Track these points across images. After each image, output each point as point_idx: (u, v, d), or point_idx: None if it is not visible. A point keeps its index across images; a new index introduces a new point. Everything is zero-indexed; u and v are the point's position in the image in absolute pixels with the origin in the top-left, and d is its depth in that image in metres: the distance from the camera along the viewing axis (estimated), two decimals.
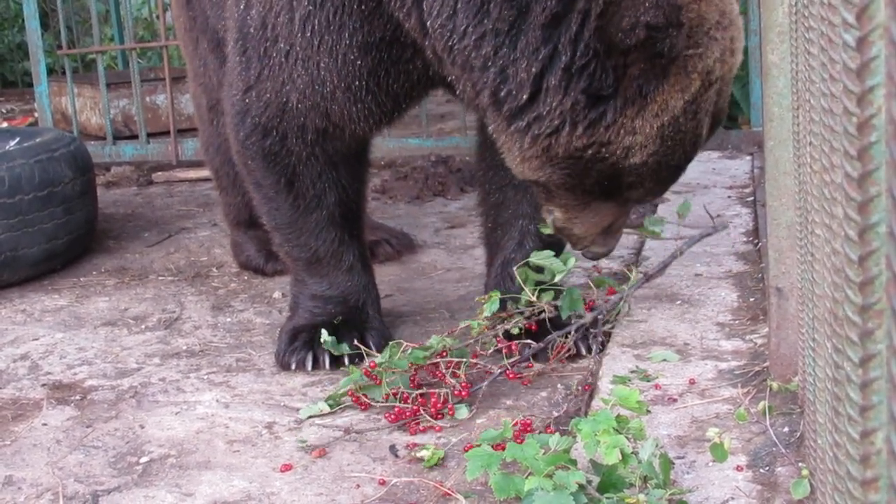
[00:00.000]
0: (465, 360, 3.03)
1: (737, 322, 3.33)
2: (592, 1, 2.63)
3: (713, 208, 4.75)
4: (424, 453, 2.64)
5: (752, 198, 4.86)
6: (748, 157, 5.74)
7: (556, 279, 3.20)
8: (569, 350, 3.19)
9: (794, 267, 2.53)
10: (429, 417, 2.87)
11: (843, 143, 1.12)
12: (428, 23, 2.86)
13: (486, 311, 3.15)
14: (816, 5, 1.68)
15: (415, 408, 2.91)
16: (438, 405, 2.90)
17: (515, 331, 3.22)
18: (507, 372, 3.07)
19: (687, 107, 2.74)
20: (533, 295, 3.21)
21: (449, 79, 2.99)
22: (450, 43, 2.83)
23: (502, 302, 3.26)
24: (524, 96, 2.76)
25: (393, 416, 2.90)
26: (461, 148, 6.13)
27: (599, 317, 3.26)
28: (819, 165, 1.61)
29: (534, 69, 2.72)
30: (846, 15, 1.08)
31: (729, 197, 4.96)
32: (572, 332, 3.21)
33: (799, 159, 2.30)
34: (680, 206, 3.77)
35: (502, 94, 2.80)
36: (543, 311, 3.23)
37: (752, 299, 3.50)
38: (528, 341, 3.20)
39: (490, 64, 2.79)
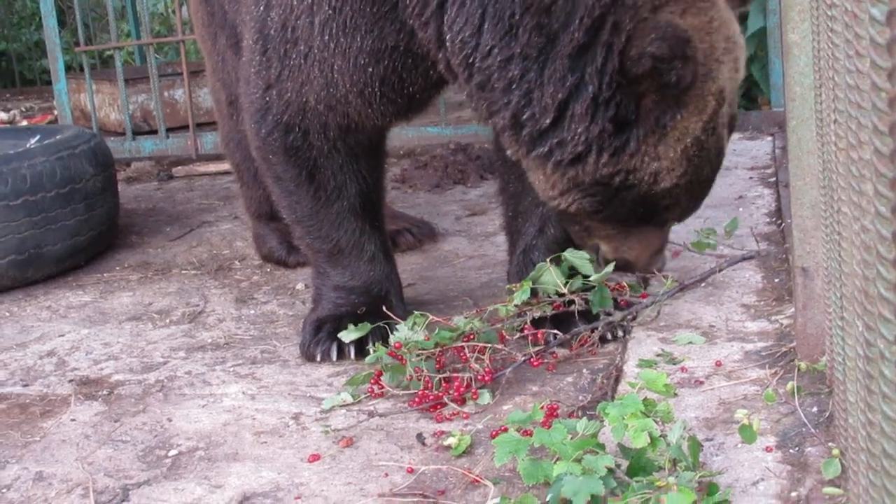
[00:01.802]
0: (489, 345, 3.02)
1: (762, 303, 3.31)
2: (615, 35, 2.70)
3: (735, 190, 4.73)
4: (452, 441, 2.64)
5: (773, 178, 4.83)
6: (769, 138, 5.71)
7: (592, 278, 3.18)
8: (594, 344, 3.18)
9: (820, 246, 2.52)
10: (451, 404, 2.87)
11: (871, 120, 1.11)
12: (448, 36, 2.89)
13: (516, 300, 3.14)
14: None
15: (439, 393, 2.91)
16: (462, 389, 2.90)
17: (539, 313, 3.19)
18: (532, 359, 3.07)
19: (706, 126, 2.84)
20: (564, 286, 3.18)
21: (463, 93, 3.01)
22: (470, 60, 2.87)
23: (532, 290, 3.25)
24: (547, 121, 2.82)
25: (416, 401, 2.91)
26: (480, 136, 6.12)
27: (629, 317, 3.24)
28: (845, 143, 1.59)
29: (560, 96, 2.78)
30: None
31: (750, 178, 4.93)
32: (600, 328, 3.19)
33: (822, 138, 2.28)
34: (728, 223, 3.68)
35: (524, 117, 2.85)
36: (573, 301, 3.19)
37: (776, 280, 3.48)
38: (555, 331, 3.19)
39: (515, 87, 2.83)
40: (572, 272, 3.23)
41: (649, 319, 3.27)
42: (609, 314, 3.21)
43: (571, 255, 3.19)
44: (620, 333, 3.21)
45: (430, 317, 3.08)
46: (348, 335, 3.26)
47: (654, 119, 2.77)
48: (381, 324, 3.29)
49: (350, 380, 3.06)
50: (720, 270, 3.51)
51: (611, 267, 3.14)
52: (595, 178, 2.86)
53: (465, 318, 3.12)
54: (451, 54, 2.92)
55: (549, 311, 3.21)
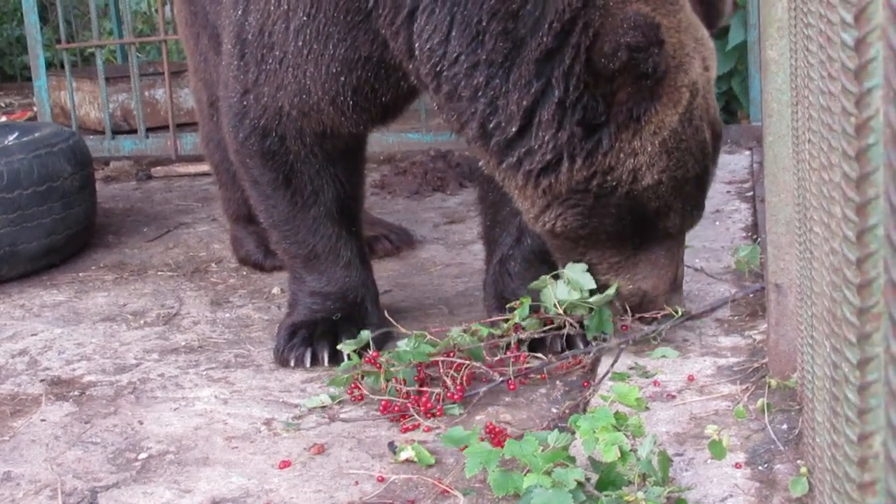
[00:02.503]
0: (466, 363, 2.98)
1: (736, 318, 3.32)
2: (583, 35, 2.70)
3: (712, 203, 4.74)
4: (411, 454, 2.62)
5: (751, 193, 4.85)
6: (747, 152, 5.74)
7: (592, 300, 3.04)
8: (582, 367, 3.11)
9: (793, 263, 2.53)
10: (417, 416, 2.86)
11: (841, 143, 1.11)
12: (416, 45, 2.89)
13: (516, 318, 3.08)
14: (815, 2, 1.67)
15: (407, 404, 2.89)
16: (429, 404, 2.89)
17: (526, 335, 3.10)
18: (510, 381, 2.99)
19: (682, 118, 2.82)
20: (560, 305, 3.06)
21: (434, 105, 3.01)
22: (438, 68, 2.86)
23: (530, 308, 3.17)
24: (513, 129, 2.80)
25: (382, 408, 2.90)
26: (460, 143, 6.08)
27: (622, 346, 3.08)
28: (818, 163, 1.60)
29: (525, 102, 2.77)
30: (844, 14, 1.07)
31: (728, 192, 4.95)
32: (592, 353, 3.09)
33: (798, 155, 2.29)
34: (749, 251, 3.58)
35: (491, 125, 2.84)
36: (565, 325, 3.10)
37: (750, 294, 3.49)
38: (539, 355, 3.11)
39: (480, 94, 2.82)
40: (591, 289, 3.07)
41: (652, 348, 3.10)
42: (605, 339, 3.10)
43: (571, 271, 3.05)
44: (595, 345, 3.18)
45: (427, 335, 3.03)
46: (346, 346, 3.15)
47: (628, 112, 2.75)
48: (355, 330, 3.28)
49: (333, 380, 3.05)
50: (733, 301, 3.38)
51: (613, 289, 3.03)
52: (571, 186, 2.82)
53: (458, 331, 3.05)
54: (420, 63, 2.92)
55: (536, 334, 3.11)
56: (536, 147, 2.80)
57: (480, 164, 3.01)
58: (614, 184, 2.82)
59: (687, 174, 2.88)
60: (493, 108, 2.82)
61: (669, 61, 2.74)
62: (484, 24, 2.77)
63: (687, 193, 2.93)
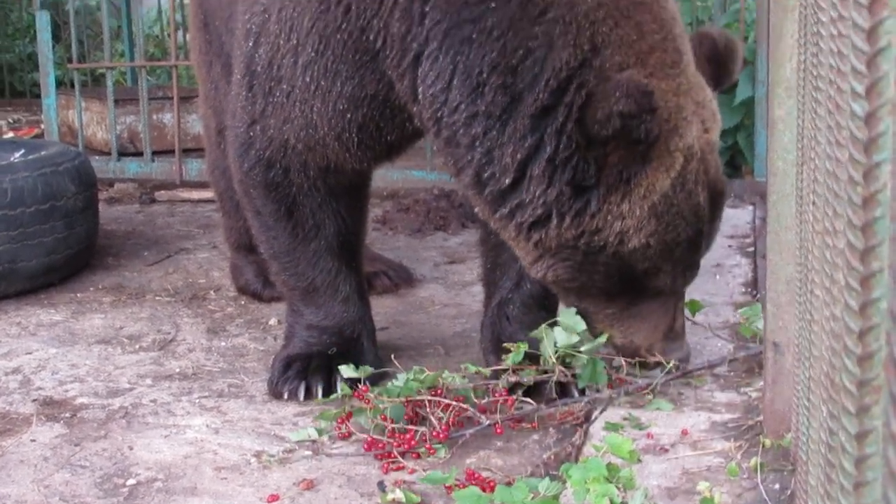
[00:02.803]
0: (453, 403, 2.96)
1: (732, 374, 3.31)
2: (576, 94, 2.73)
3: (712, 257, 4.74)
4: (399, 495, 2.60)
5: (752, 248, 4.86)
6: (750, 207, 5.75)
7: (583, 348, 3.06)
8: (574, 416, 3.08)
9: (792, 322, 2.53)
10: (399, 456, 2.84)
11: (847, 211, 1.12)
12: (420, 89, 2.93)
13: (509, 361, 3.07)
14: (826, 67, 1.68)
15: (392, 443, 2.88)
16: (413, 443, 2.87)
17: (515, 379, 3.08)
18: (497, 425, 2.97)
19: (675, 182, 2.83)
20: (554, 356, 3.06)
21: (435, 149, 3.04)
22: (439, 114, 2.90)
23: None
24: (507, 181, 2.84)
25: (367, 446, 2.89)
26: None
27: (614, 396, 3.06)
28: (821, 227, 1.60)
29: (519, 155, 2.80)
30: (855, 84, 1.08)
31: (729, 246, 4.95)
32: (583, 404, 3.07)
33: (801, 216, 2.30)
34: (748, 310, 3.53)
35: (485, 175, 2.87)
36: (556, 373, 3.08)
37: (748, 351, 3.49)
38: (528, 399, 3.09)
39: (477, 144, 2.86)
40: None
41: (646, 402, 3.08)
42: (598, 390, 3.09)
43: (565, 317, 3.07)
44: (589, 393, 3.16)
45: (426, 371, 3.02)
46: (346, 370, 3.15)
47: (618, 174, 2.77)
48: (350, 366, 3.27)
49: (321, 414, 3.05)
50: (731, 361, 3.36)
51: (603, 337, 3.05)
52: (560, 242, 2.86)
53: (450, 374, 3.03)
54: (422, 107, 2.96)
55: (528, 380, 3.10)
56: (528, 201, 2.84)
57: (476, 210, 3.03)
58: (602, 244, 2.84)
59: (678, 238, 2.89)
60: (488, 159, 2.86)
61: (663, 126, 2.75)
62: (484, 76, 2.81)
63: (678, 256, 2.94)
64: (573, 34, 2.76)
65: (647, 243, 2.85)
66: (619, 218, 2.81)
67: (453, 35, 2.85)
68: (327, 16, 3.04)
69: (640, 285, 2.96)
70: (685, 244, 2.93)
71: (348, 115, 3.12)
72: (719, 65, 3.09)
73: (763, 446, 2.68)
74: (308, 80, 3.11)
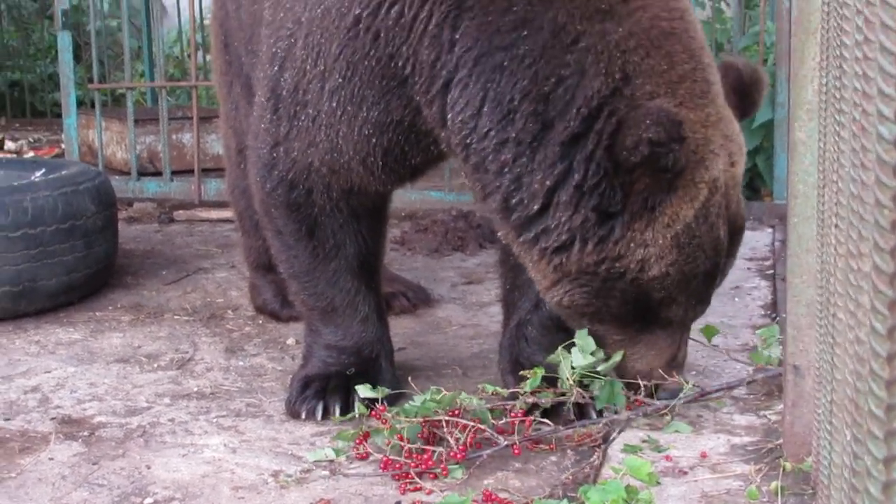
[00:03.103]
0: (471, 423, 2.96)
1: (751, 396, 3.30)
2: (606, 122, 2.75)
3: (731, 279, 4.72)
4: None
5: (771, 271, 4.84)
6: (769, 230, 5.73)
7: (599, 368, 3.06)
8: (592, 438, 3.06)
9: (813, 345, 2.51)
10: (416, 477, 2.83)
11: (873, 235, 1.11)
12: (449, 116, 2.95)
13: (527, 386, 3.05)
14: (850, 90, 1.68)
15: (410, 463, 2.87)
16: (430, 463, 2.87)
17: (533, 400, 3.07)
18: (515, 446, 2.95)
19: (698, 213, 2.84)
20: (571, 378, 3.06)
21: (462, 173, 3.06)
22: (468, 141, 2.92)
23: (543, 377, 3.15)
24: (535, 207, 2.86)
25: (383, 465, 2.88)
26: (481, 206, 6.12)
27: (632, 417, 3.06)
28: (845, 249, 1.60)
29: (548, 182, 2.82)
30: (882, 107, 1.08)
31: (748, 269, 4.94)
32: (600, 425, 3.07)
33: (823, 238, 2.29)
34: (767, 330, 3.55)
35: (513, 201, 2.89)
36: (573, 395, 3.08)
37: (767, 374, 3.47)
38: (546, 421, 3.08)
39: (507, 171, 2.87)
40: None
41: (665, 425, 3.07)
42: (616, 412, 3.09)
43: (581, 339, 3.07)
44: (607, 415, 3.15)
45: (444, 391, 3.02)
46: (363, 390, 3.14)
47: (643, 202, 2.79)
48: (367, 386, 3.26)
49: (338, 434, 3.04)
50: (749, 383, 3.34)
51: (618, 356, 3.06)
52: (580, 267, 2.87)
53: (467, 395, 3.04)
54: (451, 133, 2.98)
55: (547, 403, 3.09)
56: (553, 227, 2.85)
57: (499, 234, 3.04)
58: (622, 271, 2.85)
59: (696, 269, 2.90)
60: (517, 185, 2.87)
61: (690, 156, 2.77)
62: (515, 103, 2.83)
63: (693, 288, 2.95)
64: (605, 63, 2.78)
65: (666, 272, 2.86)
66: (641, 245, 2.82)
67: (484, 62, 2.87)
68: (356, 42, 3.06)
69: (652, 314, 2.97)
70: (702, 277, 2.94)
71: (374, 140, 3.13)
72: (745, 95, 3.10)
73: (783, 470, 2.66)
74: (334, 105, 3.12)
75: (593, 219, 2.80)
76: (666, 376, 3.08)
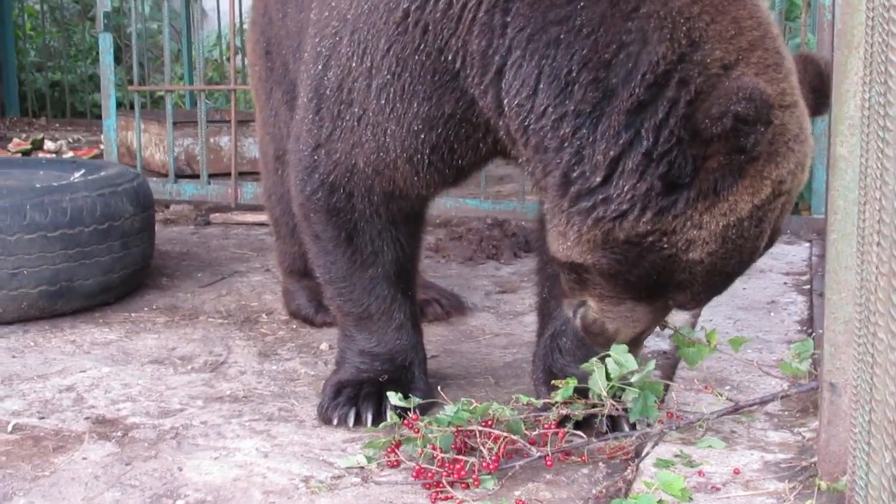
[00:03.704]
0: (504, 434, 2.96)
1: (786, 413, 3.27)
2: (683, 89, 2.64)
3: (768, 294, 4.70)
4: None
5: (808, 286, 4.80)
6: (806, 244, 5.69)
7: (633, 379, 3.03)
8: (624, 451, 3.04)
9: (850, 363, 2.48)
10: (448, 486, 2.83)
11: None
12: (505, 101, 2.88)
13: (558, 397, 3.04)
14: (894, 106, 1.66)
15: (442, 472, 2.87)
16: (462, 473, 2.86)
17: (567, 411, 3.07)
18: (547, 457, 2.94)
19: (754, 211, 2.73)
20: (605, 389, 3.03)
21: (520, 160, 2.99)
22: (526, 122, 2.84)
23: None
24: (598, 179, 2.74)
25: (415, 474, 2.88)
26: (517, 212, 6.13)
27: (665, 431, 3.03)
28: (887, 268, 1.58)
29: (612, 153, 2.71)
30: None
31: (785, 283, 4.90)
32: (633, 438, 3.03)
33: (863, 256, 2.26)
34: (801, 344, 3.52)
35: (574, 174, 2.78)
36: (607, 407, 3.06)
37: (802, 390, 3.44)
38: (579, 432, 3.08)
39: (567, 144, 2.78)
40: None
41: (697, 437, 3.07)
42: (649, 424, 3.07)
43: (617, 353, 3.03)
44: (640, 428, 3.13)
45: (475, 402, 3.01)
46: (393, 398, 3.13)
47: (712, 182, 2.67)
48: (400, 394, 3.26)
49: (370, 442, 3.05)
50: (783, 397, 3.30)
51: (651, 364, 3.03)
52: (628, 236, 2.75)
53: (499, 405, 3.02)
54: (509, 120, 2.90)
55: (580, 414, 3.08)
56: (615, 195, 2.73)
57: (545, 207, 2.93)
58: (665, 246, 2.75)
59: (727, 266, 2.81)
60: (578, 158, 2.77)
61: (766, 146, 2.66)
62: (574, 74, 2.75)
63: (712, 283, 2.86)
64: (669, 29, 2.68)
65: (701, 259, 2.76)
66: (696, 227, 2.71)
67: (538, 39, 2.80)
68: (405, 37, 3.03)
69: (660, 291, 2.87)
70: (725, 276, 2.86)
71: (422, 136, 3.09)
72: (823, 92, 2.96)
73: (818, 489, 2.64)
74: (383, 102, 3.09)
75: (658, 188, 2.69)
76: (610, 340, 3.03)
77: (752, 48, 2.72)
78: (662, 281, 2.83)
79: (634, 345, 3.06)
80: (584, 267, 2.88)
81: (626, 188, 2.71)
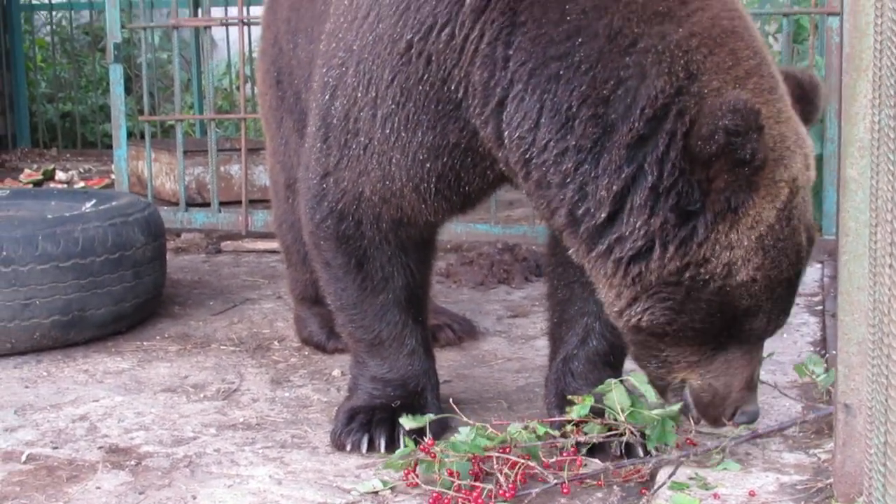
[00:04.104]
0: (521, 461, 2.95)
1: (801, 434, 3.26)
2: (679, 121, 2.68)
3: None
4: None
5: (820, 307, 4.79)
6: (818, 265, 5.67)
7: (656, 412, 3.02)
8: (640, 476, 3.04)
9: (864, 384, 2.47)
10: None
11: None
12: (506, 133, 2.90)
13: (574, 414, 3.04)
14: None
15: (458, 498, 2.86)
16: (480, 500, 2.85)
17: (583, 438, 3.07)
18: (563, 485, 2.94)
19: (780, 215, 2.75)
20: (622, 414, 3.03)
21: (523, 191, 3.02)
22: (527, 156, 2.87)
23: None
24: (603, 215, 2.77)
25: (432, 501, 2.87)
26: (528, 237, 6.13)
27: (682, 459, 2.99)
28: None
29: (615, 187, 2.74)
30: None
31: (797, 304, 4.86)
32: (650, 464, 3.01)
33: (875, 277, 2.26)
34: (810, 357, 3.49)
35: (580, 212, 2.81)
36: (625, 433, 3.06)
37: (817, 412, 3.43)
38: (596, 459, 3.08)
39: (569, 181, 2.80)
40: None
41: (714, 465, 3.03)
42: (666, 447, 3.05)
43: (637, 379, 3.04)
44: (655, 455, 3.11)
45: (489, 427, 3.02)
46: (406, 421, 3.15)
47: (725, 201, 2.68)
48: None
49: (387, 463, 3.04)
50: (802, 422, 3.29)
51: (676, 407, 2.98)
52: (662, 277, 2.75)
53: (516, 427, 3.03)
54: (509, 152, 2.92)
55: (596, 438, 3.08)
56: (627, 233, 2.75)
57: (570, 252, 2.94)
58: (707, 277, 2.74)
59: (780, 275, 2.80)
60: (581, 195, 2.80)
61: (769, 153, 2.68)
62: (574, 109, 2.78)
63: (778, 296, 2.84)
64: (667, 62, 2.72)
65: (753, 278, 2.75)
66: (727, 248, 2.72)
67: (539, 74, 2.83)
68: (408, 68, 3.05)
69: (736, 327, 2.85)
70: (785, 283, 2.84)
71: (427, 165, 3.11)
72: (807, 102, 3.01)
73: None
74: (388, 131, 3.12)
75: (672, 219, 2.70)
76: (742, 402, 2.96)
77: (748, 76, 2.76)
78: (729, 316, 2.81)
79: (750, 388, 2.99)
80: (650, 334, 2.86)
81: (638, 224, 2.73)
